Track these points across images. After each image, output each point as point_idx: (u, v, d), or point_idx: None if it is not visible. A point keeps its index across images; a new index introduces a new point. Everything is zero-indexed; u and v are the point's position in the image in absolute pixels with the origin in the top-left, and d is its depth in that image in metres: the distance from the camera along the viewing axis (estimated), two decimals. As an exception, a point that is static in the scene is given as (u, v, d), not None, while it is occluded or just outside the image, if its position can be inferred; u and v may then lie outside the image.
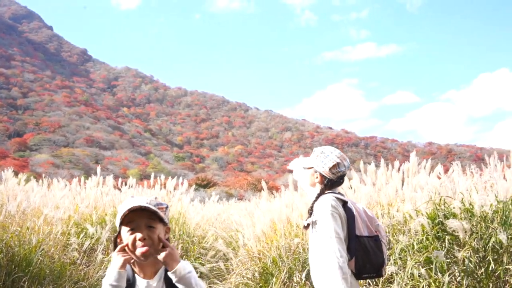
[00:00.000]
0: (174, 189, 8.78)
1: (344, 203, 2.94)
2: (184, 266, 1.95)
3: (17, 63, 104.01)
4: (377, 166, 6.26)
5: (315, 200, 3.00)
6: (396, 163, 5.92)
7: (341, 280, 2.64)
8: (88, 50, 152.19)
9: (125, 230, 1.96)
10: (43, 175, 9.48)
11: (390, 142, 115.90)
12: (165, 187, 8.70)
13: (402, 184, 5.82)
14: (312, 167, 3.11)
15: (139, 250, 1.92)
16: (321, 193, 3.01)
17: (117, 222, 1.97)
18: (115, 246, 2.00)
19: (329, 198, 2.90)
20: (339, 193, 3.03)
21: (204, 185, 39.28)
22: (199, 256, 7.29)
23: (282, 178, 52.60)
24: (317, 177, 3.07)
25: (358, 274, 2.84)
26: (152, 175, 9.06)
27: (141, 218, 1.96)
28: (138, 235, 1.93)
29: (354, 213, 2.90)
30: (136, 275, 2.03)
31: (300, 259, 5.61)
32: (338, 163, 2.99)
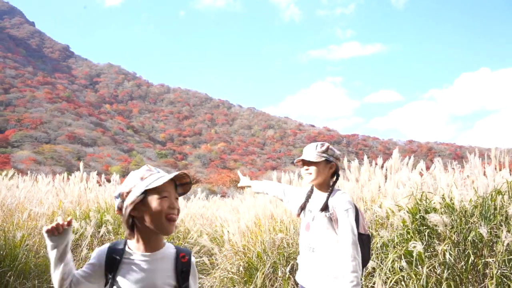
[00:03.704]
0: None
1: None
2: None
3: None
4: (360, 163, 6.37)
5: (329, 193, 2.97)
6: (380, 160, 6.03)
7: (357, 281, 2.67)
8: (71, 47, 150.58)
9: (154, 197, 1.88)
10: (27, 172, 9.42)
11: (371, 140, 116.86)
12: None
13: (385, 181, 5.93)
14: (326, 159, 3.04)
15: (173, 218, 1.89)
16: (332, 187, 3.01)
17: (142, 188, 1.88)
18: (127, 217, 1.90)
19: (347, 195, 2.93)
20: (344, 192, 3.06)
21: (187, 182, 39.10)
22: (184, 251, 7.32)
23: (264, 175, 52.69)
24: (329, 170, 3.04)
25: None
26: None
27: (172, 188, 1.95)
28: (174, 204, 1.92)
29: (359, 212, 2.94)
30: (130, 250, 1.94)
31: (284, 254, 5.69)
32: (339, 157, 3.10)
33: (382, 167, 6.09)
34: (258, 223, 6.54)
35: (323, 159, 3.00)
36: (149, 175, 1.93)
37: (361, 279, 2.84)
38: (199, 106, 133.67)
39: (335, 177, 3.07)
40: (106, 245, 1.96)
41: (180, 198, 8.72)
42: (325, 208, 2.93)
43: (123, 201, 1.93)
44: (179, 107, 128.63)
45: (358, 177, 6.17)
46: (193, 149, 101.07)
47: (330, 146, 3.06)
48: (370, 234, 2.98)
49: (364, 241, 2.89)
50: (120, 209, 1.95)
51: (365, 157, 6.18)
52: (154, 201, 1.88)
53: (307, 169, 3.05)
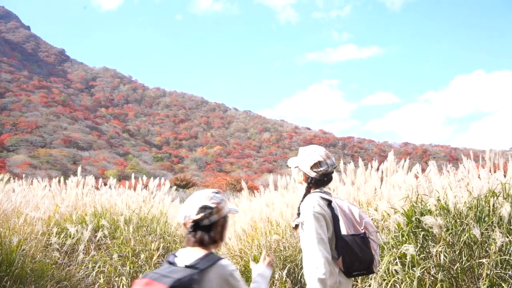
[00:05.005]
0: (155, 189, 8.83)
1: (329, 202, 2.94)
2: None
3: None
4: (355, 166, 6.41)
5: (301, 200, 3.01)
6: (375, 163, 6.06)
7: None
8: (66, 51, 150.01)
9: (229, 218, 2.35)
10: (22, 176, 9.41)
11: (367, 142, 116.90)
12: (146, 188, 8.73)
13: (381, 183, 5.97)
14: (297, 166, 3.15)
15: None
16: (307, 192, 3.03)
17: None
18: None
19: (313, 198, 2.91)
20: (325, 192, 3.03)
21: (183, 185, 39.13)
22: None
23: (261, 178, 52.64)
24: (301, 176, 3.11)
25: (348, 272, 2.84)
26: (133, 175, 9.07)
27: None
28: None
29: (337, 212, 2.89)
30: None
31: (281, 257, 5.71)
32: (319, 162, 2.99)
33: (377, 169, 6.13)
34: (255, 226, 6.56)
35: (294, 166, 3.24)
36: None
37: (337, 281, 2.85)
38: (195, 109, 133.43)
39: (308, 182, 3.09)
40: None
41: (176, 202, 8.70)
42: (298, 214, 3.01)
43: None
44: (175, 111, 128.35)
45: (354, 180, 6.21)
46: (189, 152, 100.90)
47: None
48: (365, 233, 2.89)
49: (358, 242, 2.84)
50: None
51: (360, 160, 6.21)
52: (227, 222, 2.42)
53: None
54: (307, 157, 3.06)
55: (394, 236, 4.79)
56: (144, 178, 9.13)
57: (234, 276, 2.14)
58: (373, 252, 2.90)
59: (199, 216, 2.23)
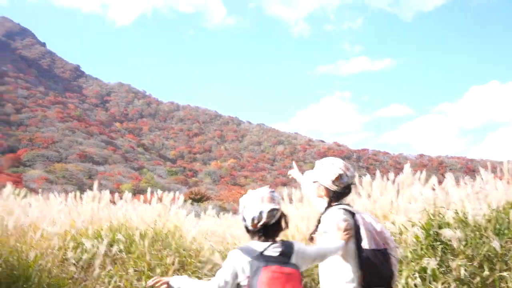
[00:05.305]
0: (170, 203, 8.81)
1: (352, 215, 2.92)
2: None
3: (11, 79, 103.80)
4: (372, 178, 6.35)
5: (322, 213, 2.99)
6: (391, 175, 6.00)
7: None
8: (81, 66, 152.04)
9: None
10: (39, 191, 9.48)
11: (382, 154, 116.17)
12: (161, 201, 8.73)
13: (397, 196, 5.90)
14: (317, 181, 3.10)
15: None
16: (329, 205, 3.00)
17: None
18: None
19: (337, 211, 2.90)
20: (347, 204, 3.01)
21: (198, 199, 39.18)
22: (196, 269, 7.30)
23: (275, 191, 52.42)
24: (322, 190, 3.06)
25: (367, 287, 2.80)
26: (149, 190, 9.08)
27: None
28: None
29: (360, 225, 2.87)
30: None
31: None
32: (340, 175, 2.97)
33: (393, 182, 6.07)
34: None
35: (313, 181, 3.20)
36: None
37: None
38: (208, 123, 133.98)
39: (330, 196, 3.07)
40: None
41: (191, 216, 8.67)
42: (317, 226, 3.04)
43: None
44: (188, 125, 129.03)
45: (370, 193, 6.15)
46: (203, 166, 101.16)
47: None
48: (385, 248, 2.86)
49: (379, 257, 2.80)
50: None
51: (377, 172, 6.15)
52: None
53: None
54: (327, 171, 3.01)
55: (412, 250, 4.72)
56: (159, 192, 9.13)
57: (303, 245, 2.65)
58: (393, 268, 2.87)
59: (269, 220, 2.53)
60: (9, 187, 7.05)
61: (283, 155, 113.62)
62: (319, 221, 3.02)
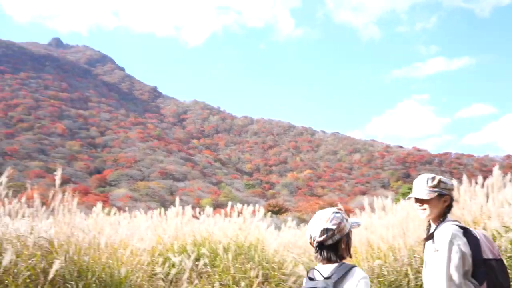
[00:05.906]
0: (250, 216, 8.90)
1: (465, 230, 2.77)
2: None
3: (94, 104, 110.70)
4: (459, 183, 6.06)
5: (436, 227, 2.85)
6: (479, 179, 5.71)
7: None
8: (158, 87, 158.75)
9: None
10: (125, 209, 9.91)
11: (465, 157, 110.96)
12: (242, 215, 8.83)
13: (487, 200, 5.60)
14: (439, 193, 2.86)
15: None
16: (444, 217, 2.86)
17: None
18: None
19: (452, 228, 2.75)
20: (454, 220, 2.87)
21: (276, 211, 39.33)
22: (279, 282, 7.29)
23: (354, 201, 51.66)
24: (442, 202, 2.87)
25: None
26: (229, 204, 9.23)
27: None
28: None
29: (478, 237, 2.74)
30: None
31: (385, 282, 5.50)
32: (452, 185, 2.91)
33: (482, 185, 5.77)
34: (354, 250, 6.39)
35: (436, 194, 2.84)
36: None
37: None
38: (282, 134, 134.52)
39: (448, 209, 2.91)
40: None
41: (271, 228, 8.70)
42: (429, 238, 2.85)
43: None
44: (263, 137, 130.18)
45: (458, 198, 5.87)
46: (280, 177, 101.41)
47: (442, 179, 2.87)
48: (502, 259, 2.73)
49: (494, 266, 2.67)
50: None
51: (464, 176, 5.87)
52: None
53: (420, 205, 2.90)
54: (446, 184, 2.88)
55: (508, 256, 4.44)
56: (238, 205, 9.25)
57: (366, 282, 2.30)
58: (509, 279, 2.72)
59: (322, 238, 2.41)
60: (98, 206, 7.40)
61: (361, 163, 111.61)
62: (429, 235, 2.86)
